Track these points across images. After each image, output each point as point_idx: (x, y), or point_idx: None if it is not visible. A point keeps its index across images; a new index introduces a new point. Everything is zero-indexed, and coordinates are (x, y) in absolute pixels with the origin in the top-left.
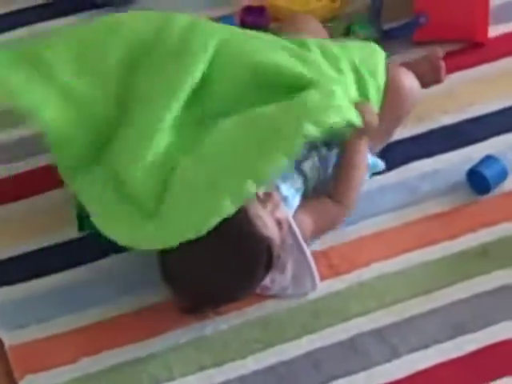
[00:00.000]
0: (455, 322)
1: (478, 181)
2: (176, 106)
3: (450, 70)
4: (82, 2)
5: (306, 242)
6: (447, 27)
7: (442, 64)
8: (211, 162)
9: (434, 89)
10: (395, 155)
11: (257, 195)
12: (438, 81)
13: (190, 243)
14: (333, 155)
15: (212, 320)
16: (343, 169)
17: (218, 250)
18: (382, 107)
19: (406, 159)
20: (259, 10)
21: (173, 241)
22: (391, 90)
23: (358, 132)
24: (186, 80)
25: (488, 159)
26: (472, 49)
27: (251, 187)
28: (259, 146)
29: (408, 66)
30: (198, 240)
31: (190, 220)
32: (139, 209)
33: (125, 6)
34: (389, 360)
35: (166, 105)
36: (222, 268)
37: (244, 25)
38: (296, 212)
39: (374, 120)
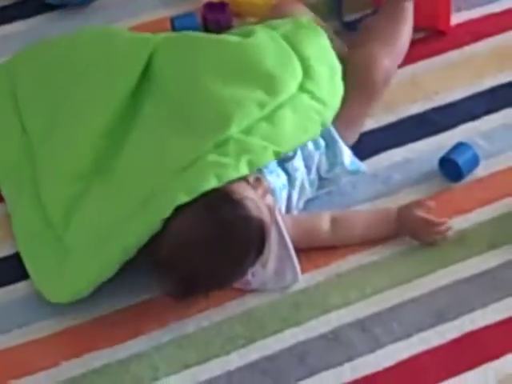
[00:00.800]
0: (436, 309)
1: (450, 168)
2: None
3: (414, 59)
4: (37, 5)
5: None
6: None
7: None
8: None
9: (400, 78)
10: (365, 146)
11: (247, 180)
12: None
13: (182, 228)
14: (318, 154)
15: (193, 317)
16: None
17: (210, 233)
18: (353, 95)
19: (377, 150)
20: (221, 6)
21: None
22: (364, 68)
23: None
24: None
25: (459, 146)
26: (435, 37)
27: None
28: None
29: None
30: (190, 223)
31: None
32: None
33: (80, 7)
34: (372, 350)
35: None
36: (215, 251)
37: (206, 21)
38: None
39: None
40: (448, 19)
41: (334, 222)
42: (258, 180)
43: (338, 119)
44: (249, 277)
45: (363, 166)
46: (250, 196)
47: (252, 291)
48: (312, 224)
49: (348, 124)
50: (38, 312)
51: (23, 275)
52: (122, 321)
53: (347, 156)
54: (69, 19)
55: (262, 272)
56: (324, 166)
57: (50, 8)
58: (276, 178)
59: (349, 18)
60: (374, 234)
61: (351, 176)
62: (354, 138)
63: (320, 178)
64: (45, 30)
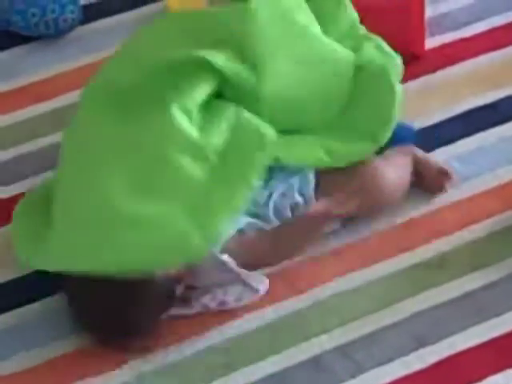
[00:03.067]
0: (416, 334)
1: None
2: None
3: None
4: (12, 37)
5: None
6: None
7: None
8: None
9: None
10: None
11: None
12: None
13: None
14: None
15: (175, 346)
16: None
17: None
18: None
19: None
20: None
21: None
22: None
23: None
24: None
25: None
26: (409, 61)
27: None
28: None
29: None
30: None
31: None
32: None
33: (55, 38)
34: (354, 376)
35: None
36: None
37: None
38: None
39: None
40: (423, 43)
41: None
42: None
43: None
44: (222, 297)
45: None
46: None
47: (232, 320)
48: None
49: None
50: (20, 344)
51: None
52: (103, 351)
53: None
54: (44, 50)
55: (232, 289)
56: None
57: (27, 40)
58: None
59: None
60: None
61: None
62: None
63: None
64: (21, 62)
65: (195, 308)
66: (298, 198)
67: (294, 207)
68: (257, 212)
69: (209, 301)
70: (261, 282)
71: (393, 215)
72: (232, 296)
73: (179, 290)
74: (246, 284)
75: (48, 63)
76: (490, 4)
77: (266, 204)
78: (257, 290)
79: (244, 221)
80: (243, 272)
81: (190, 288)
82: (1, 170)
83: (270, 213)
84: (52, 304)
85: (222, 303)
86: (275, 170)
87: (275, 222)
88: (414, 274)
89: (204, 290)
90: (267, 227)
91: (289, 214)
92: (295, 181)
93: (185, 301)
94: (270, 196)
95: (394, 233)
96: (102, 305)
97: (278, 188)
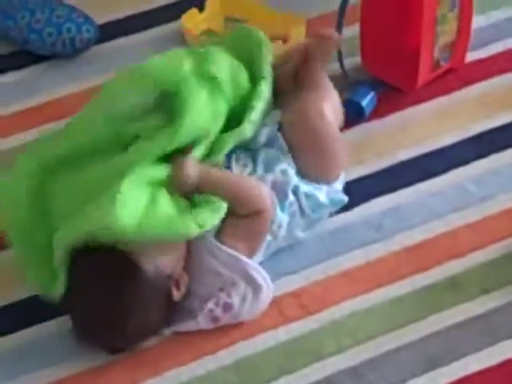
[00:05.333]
0: (429, 355)
1: (353, 109)
2: None
3: (403, 106)
4: (28, 56)
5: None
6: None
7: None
8: None
9: (390, 125)
10: (356, 193)
11: None
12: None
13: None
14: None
15: (188, 366)
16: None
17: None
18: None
19: (367, 196)
20: None
21: None
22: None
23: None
24: None
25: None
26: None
27: None
28: None
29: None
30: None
31: None
32: None
33: (71, 58)
34: None
35: None
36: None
37: None
38: (221, 235)
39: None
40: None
41: None
42: None
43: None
44: (225, 298)
45: (344, 197)
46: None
47: (245, 339)
48: (244, 222)
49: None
50: (28, 363)
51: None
52: (117, 370)
53: (322, 195)
54: (59, 70)
55: (236, 290)
56: (306, 207)
57: (43, 59)
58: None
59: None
60: None
61: (342, 216)
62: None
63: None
64: (38, 81)
65: (202, 321)
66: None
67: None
68: None
69: (214, 306)
70: (262, 276)
71: (403, 238)
72: (236, 297)
73: (178, 294)
74: (248, 279)
75: (64, 82)
76: (506, 26)
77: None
78: (260, 287)
79: None
80: (243, 259)
81: (192, 296)
82: None
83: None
84: (51, 327)
85: (228, 307)
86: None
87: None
88: (427, 295)
89: (207, 295)
90: None
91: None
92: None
93: (189, 312)
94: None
95: (407, 254)
96: (101, 313)
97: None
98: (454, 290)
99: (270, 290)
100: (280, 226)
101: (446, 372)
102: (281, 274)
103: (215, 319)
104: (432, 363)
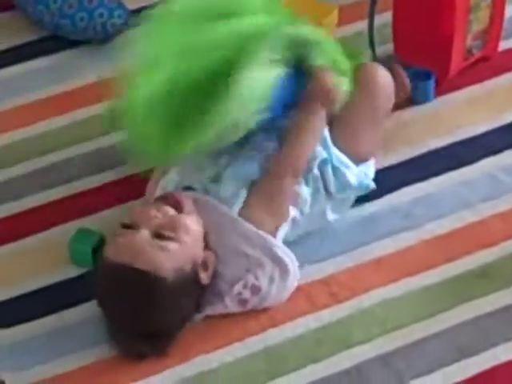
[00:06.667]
0: (459, 344)
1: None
2: None
3: (436, 94)
4: (61, 41)
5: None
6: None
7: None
8: None
9: (422, 112)
10: (386, 181)
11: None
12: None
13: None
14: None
15: (217, 353)
16: (299, 132)
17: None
18: (357, 101)
19: (399, 184)
20: None
21: None
22: (365, 82)
23: (318, 98)
24: None
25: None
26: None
27: None
28: None
29: None
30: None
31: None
32: None
33: (104, 43)
34: None
35: None
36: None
37: None
38: (245, 208)
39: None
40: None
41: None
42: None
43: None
44: (252, 280)
45: (371, 183)
46: (142, 250)
47: (274, 327)
48: (263, 188)
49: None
50: (57, 349)
51: (39, 313)
52: (140, 359)
53: (352, 175)
54: (93, 55)
55: (263, 272)
56: (332, 186)
57: (75, 44)
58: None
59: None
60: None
61: (368, 203)
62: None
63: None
64: (69, 66)
65: (230, 304)
66: None
67: None
68: None
69: (242, 288)
70: (289, 257)
71: (434, 226)
72: (264, 278)
73: (206, 275)
74: (274, 259)
75: (96, 67)
76: None
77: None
78: (286, 268)
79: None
80: (270, 238)
81: (219, 278)
82: (54, 170)
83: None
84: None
85: (256, 289)
86: None
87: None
88: (457, 284)
89: (234, 277)
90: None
91: None
92: None
93: (217, 295)
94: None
95: (438, 242)
96: (132, 322)
97: None
98: (485, 279)
99: (296, 272)
100: (305, 201)
101: (475, 362)
102: (310, 261)
103: (243, 302)
104: (461, 353)
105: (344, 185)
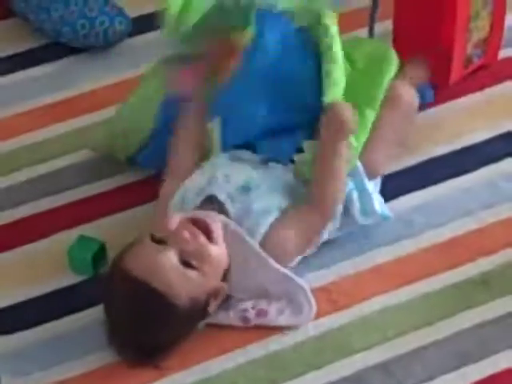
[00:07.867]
0: (459, 352)
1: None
2: None
3: (435, 103)
4: (62, 48)
5: (290, 260)
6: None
7: None
8: None
9: (422, 121)
10: (387, 189)
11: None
12: None
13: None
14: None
15: (217, 359)
16: (320, 173)
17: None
18: (383, 117)
19: (399, 192)
20: None
21: None
22: (392, 101)
23: (335, 133)
24: None
25: None
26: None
27: None
28: None
29: None
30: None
31: None
32: None
33: (105, 50)
34: None
35: None
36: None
37: None
38: (274, 228)
39: (350, 118)
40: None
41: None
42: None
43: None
44: (263, 305)
45: (390, 212)
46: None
47: (275, 334)
48: (298, 213)
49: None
50: (59, 355)
51: (41, 319)
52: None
53: (377, 202)
54: (94, 61)
55: (277, 303)
56: (356, 211)
57: (76, 51)
58: None
59: None
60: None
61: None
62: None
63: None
64: (71, 73)
65: (233, 317)
66: None
67: None
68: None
69: (249, 307)
70: (308, 299)
71: (434, 234)
72: (274, 308)
73: (214, 304)
74: (291, 300)
75: (97, 75)
76: None
77: None
78: (300, 309)
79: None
80: (295, 278)
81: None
82: (54, 177)
83: None
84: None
85: (263, 313)
86: None
87: None
88: (457, 292)
89: (246, 298)
90: None
91: None
92: None
93: (223, 306)
94: None
95: (438, 250)
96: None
97: None
98: (485, 287)
99: (311, 311)
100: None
101: (476, 369)
102: (311, 268)
103: (245, 319)
104: (461, 360)
105: (369, 211)
